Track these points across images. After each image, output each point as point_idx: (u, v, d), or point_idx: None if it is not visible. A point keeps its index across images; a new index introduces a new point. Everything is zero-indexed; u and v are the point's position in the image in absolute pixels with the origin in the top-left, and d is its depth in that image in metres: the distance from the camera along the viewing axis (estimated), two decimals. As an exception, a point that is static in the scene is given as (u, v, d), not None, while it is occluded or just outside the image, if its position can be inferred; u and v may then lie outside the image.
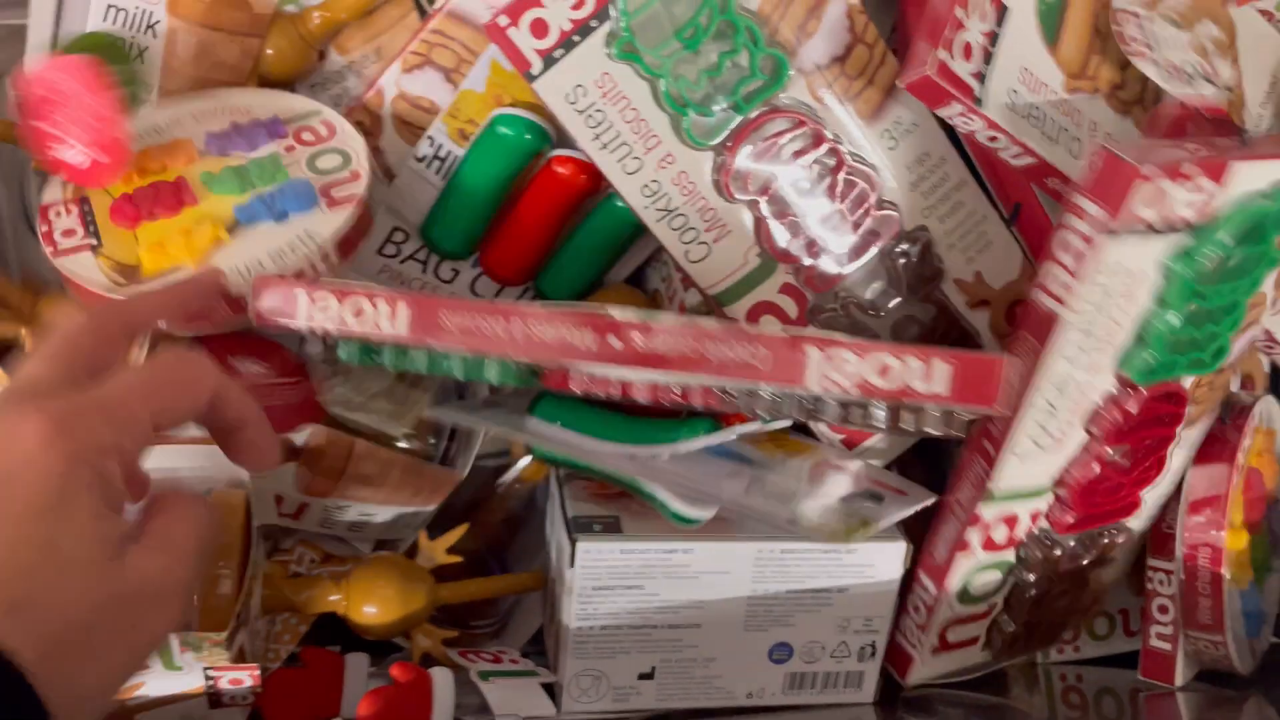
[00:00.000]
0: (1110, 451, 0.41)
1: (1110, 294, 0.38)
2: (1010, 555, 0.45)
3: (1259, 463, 0.50)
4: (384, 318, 0.38)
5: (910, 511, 0.43)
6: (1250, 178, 0.37)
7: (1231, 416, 0.48)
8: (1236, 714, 0.49)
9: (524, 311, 0.37)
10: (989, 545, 0.43)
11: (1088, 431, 0.41)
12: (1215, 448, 0.47)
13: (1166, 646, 0.49)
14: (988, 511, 0.42)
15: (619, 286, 0.50)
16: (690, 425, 0.42)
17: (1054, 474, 0.42)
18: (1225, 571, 0.46)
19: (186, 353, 0.33)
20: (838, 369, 0.35)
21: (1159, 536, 0.49)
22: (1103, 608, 0.52)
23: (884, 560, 0.44)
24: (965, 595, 0.45)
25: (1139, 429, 0.41)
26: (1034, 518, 0.44)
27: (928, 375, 0.35)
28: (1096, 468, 0.42)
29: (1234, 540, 0.47)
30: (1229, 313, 0.40)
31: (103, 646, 0.27)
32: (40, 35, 0.46)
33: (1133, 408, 0.41)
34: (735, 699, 0.46)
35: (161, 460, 0.42)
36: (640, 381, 0.38)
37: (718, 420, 0.42)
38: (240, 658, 0.40)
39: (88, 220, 0.43)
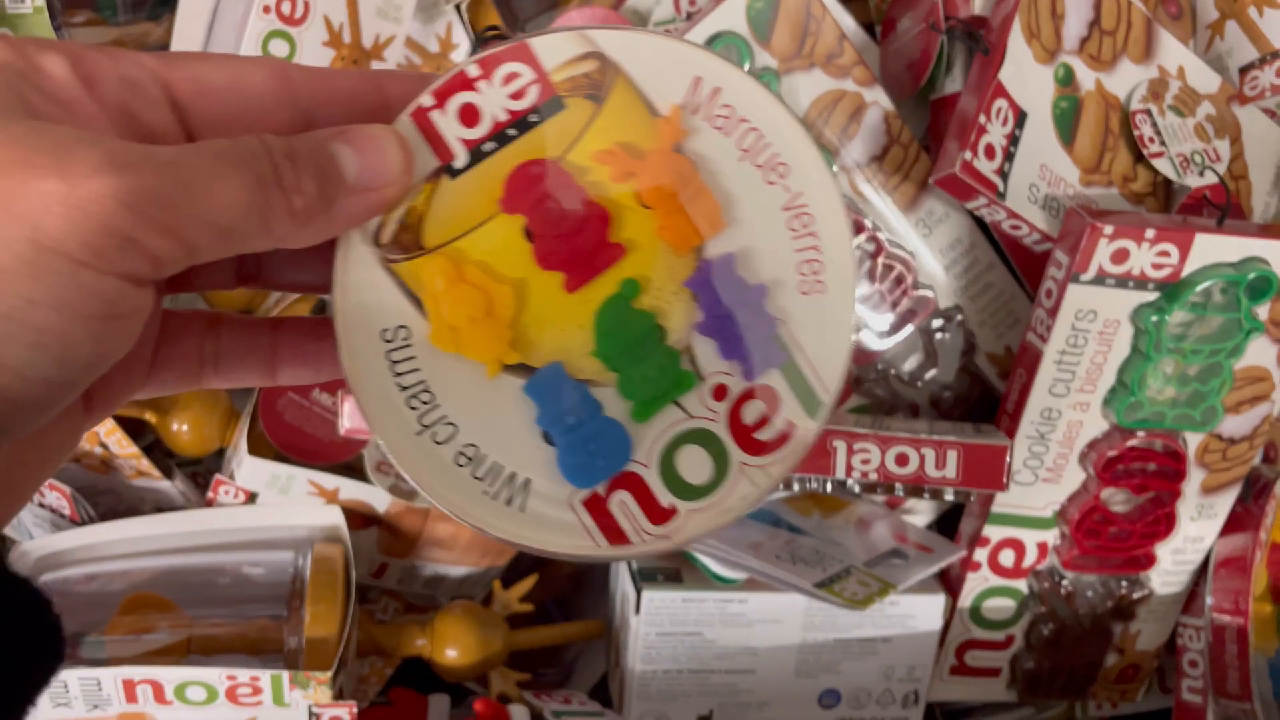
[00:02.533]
0: (1108, 492, 0.45)
1: (1087, 336, 0.43)
2: (1021, 585, 0.48)
3: (1281, 534, 0.53)
4: None
5: (934, 570, 0.46)
6: (1218, 250, 0.42)
7: (1254, 493, 0.51)
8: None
9: None
10: (997, 568, 0.48)
11: (1084, 469, 0.45)
12: (1240, 522, 0.50)
13: (1198, 700, 0.52)
14: (992, 532, 0.46)
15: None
16: None
17: (1055, 506, 0.47)
18: (1251, 641, 0.49)
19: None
20: (863, 460, 0.40)
21: (1190, 597, 0.52)
22: (1145, 670, 0.55)
23: (924, 612, 0.48)
24: (978, 617, 0.49)
25: (1136, 475, 0.45)
26: (1042, 550, 0.48)
27: (940, 463, 0.40)
28: (1092, 504, 0.45)
29: (1259, 611, 0.50)
30: (1214, 375, 0.44)
31: None
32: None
33: (1120, 449, 0.45)
34: (788, 743, 0.50)
35: (264, 519, 0.48)
36: None
37: None
38: (339, 697, 0.44)
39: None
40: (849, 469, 0.40)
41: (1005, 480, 0.39)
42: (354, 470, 0.49)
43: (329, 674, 0.43)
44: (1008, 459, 0.40)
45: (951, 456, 0.40)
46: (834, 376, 0.23)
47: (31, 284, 0.17)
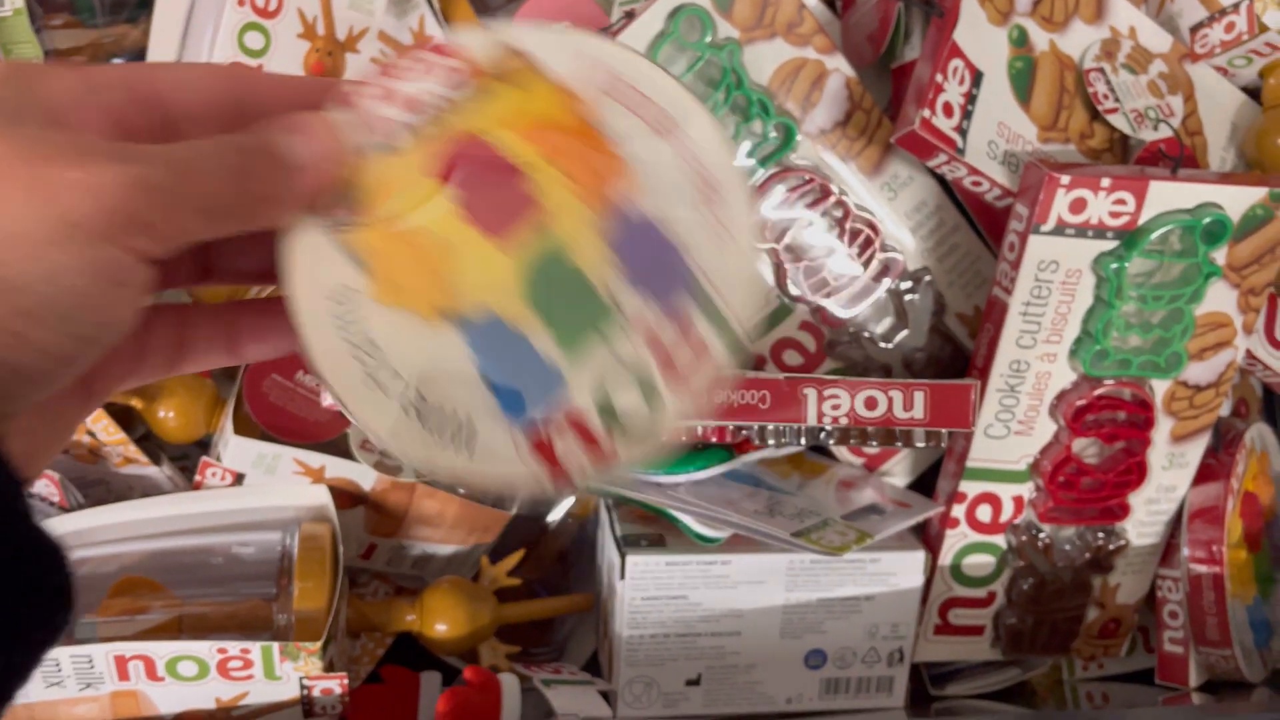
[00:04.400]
0: (1080, 443, 0.46)
1: (1050, 287, 0.44)
2: (1000, 540, 0.49)
3: (1254, 486, 0.54)
4: None
5: (911, 523, 0.47)
6: (1174, 197, 0.43)
7: (1224, 444, 0.52)
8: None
9: None
10: (974, 524, 0.48)
11: (1055, 420, 0.46)
12: (1211, 472, 0.51)
13: (1179, 650, 0.52)
14: (968, 487, 0.47)
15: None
16: (705, 456, 0.47)
17: (1028, 459, 0.48)
18: (1228, 589, 0.50)
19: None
20: (833, 405, 0.41)
21: (1166, 549, 0.52)
22: (1126, 624, 0.55)
23: (905, 569, 0.49)
24: (959, 574, 0.50)
25: (1105, 425, 0.46)
26: (1018, 504, 0.48)
27: (908, 404, 0.41)
28: (1064, 455, 0.46)
29: (1234, 559, 0.51)
30: (1176, 321, 0.45)
31: None
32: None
33: (1089, 398, 0.46)
34: (776, 704, 0.50)
35: (251, 500, 0.48)
36: None
37: (731, 450, 0.47)
38: (330, 669, 0.45)
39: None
40: (820, 415, 0.41)
41: (971, 419, 0.40)
42: (340, 450, 0.50)
43: (318, 644, 0.43)
44: (973, 396, 0.41)
45: (919, 398, 0.41)
46: (738, 296, 0.26)
47: (63, 254, 0.21)
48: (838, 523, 0.44)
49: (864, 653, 0.50)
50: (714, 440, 0.45)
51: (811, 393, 0.41)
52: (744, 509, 0.45)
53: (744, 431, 0.43)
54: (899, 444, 0.43)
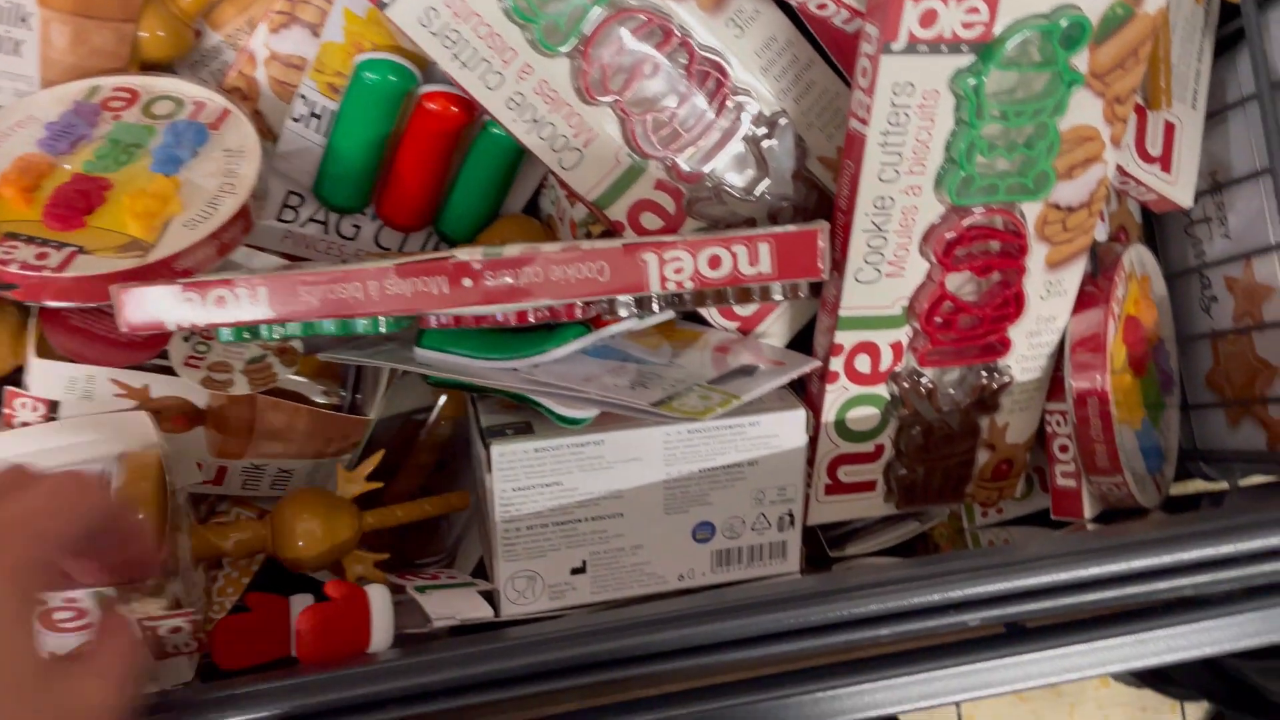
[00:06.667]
0: (953, 279, 0.44)
1: (908, 113, 0.41)
2: (882, 390, 0.47)
3: (1137, 310, 0.53)
4: (245, 302, 0.40)
5: (783, 380, 0.45)
6: (1029, 1, 0.40)
7: (1102, 269, 0.51)
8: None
9: (376, 272, 0.38)
10: (854, 376, 0.46)
11: (925, 257, 0.44)
12: (1091, 299, 0.50)
13: (1072, 484, 0.51)
14: (844, 338, 0.45)
15: (514, 217, 0.52)
16: (560, 334, 0.44)
17: (903, 302, 0.45)
18: (1114, 414, 0.49)
19: (77, 473, 0.35)
20: (675, 269, 0.38)
21: (1052, 383, 0.51)
22: (1019, 464, 0.55)
23: (786, 429, 0.46)
24: (844, 430, 0.47)
25: (978, 257, 0.44)
26: (897, 351, 0.46)
27: (753, 258, 0.38)
28: (939, 293, 0.44)
29: (1119, 384, 0.50)
30: (1041, 137, 0.42)
31: None
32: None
33: (958, 230, 0.43)
34: (668, 583, 0.48)
35: (61, 437, 0.44)
36: (504, 313, 0.40)
37: (587, 325, 0.44)
38: (175, 606, 0.41)
39: (40, 241, 0.43)
40: (663, 280, 0.38)
41: (821, 266, 0.37)
42: (162, 366, 0.45)
43: (150, 583, 0.39)
44: (821, 243, 0.38)
45: (764, 250, 0.38)
46: None
47: None
48: (702, 388, 0.41)
49: (753, 520, 0.48)
50: (566, 318, 0.41)
51: (651, 258, 0.38)
52: (606, 384, 0.42)
53: (593, 306, 0.39)
54: (756, 300, 0.40)
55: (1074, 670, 0.37)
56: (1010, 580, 0.37)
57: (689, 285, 0.38)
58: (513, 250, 0.38)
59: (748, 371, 0.44)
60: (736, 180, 0.46)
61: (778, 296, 0.40)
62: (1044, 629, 0.39)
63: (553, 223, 0.53)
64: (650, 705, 0.39)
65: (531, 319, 0.40)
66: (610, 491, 0.46)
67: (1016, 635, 0.38)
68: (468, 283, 0.38)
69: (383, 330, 0.40)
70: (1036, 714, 1.09)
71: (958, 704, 0.59)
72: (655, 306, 0.40)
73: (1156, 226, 0.61)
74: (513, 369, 0.43)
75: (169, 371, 0.45)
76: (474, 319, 0.40)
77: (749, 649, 0.37)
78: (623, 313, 0.40)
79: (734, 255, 0.38)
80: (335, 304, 0.39)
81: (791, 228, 0.38)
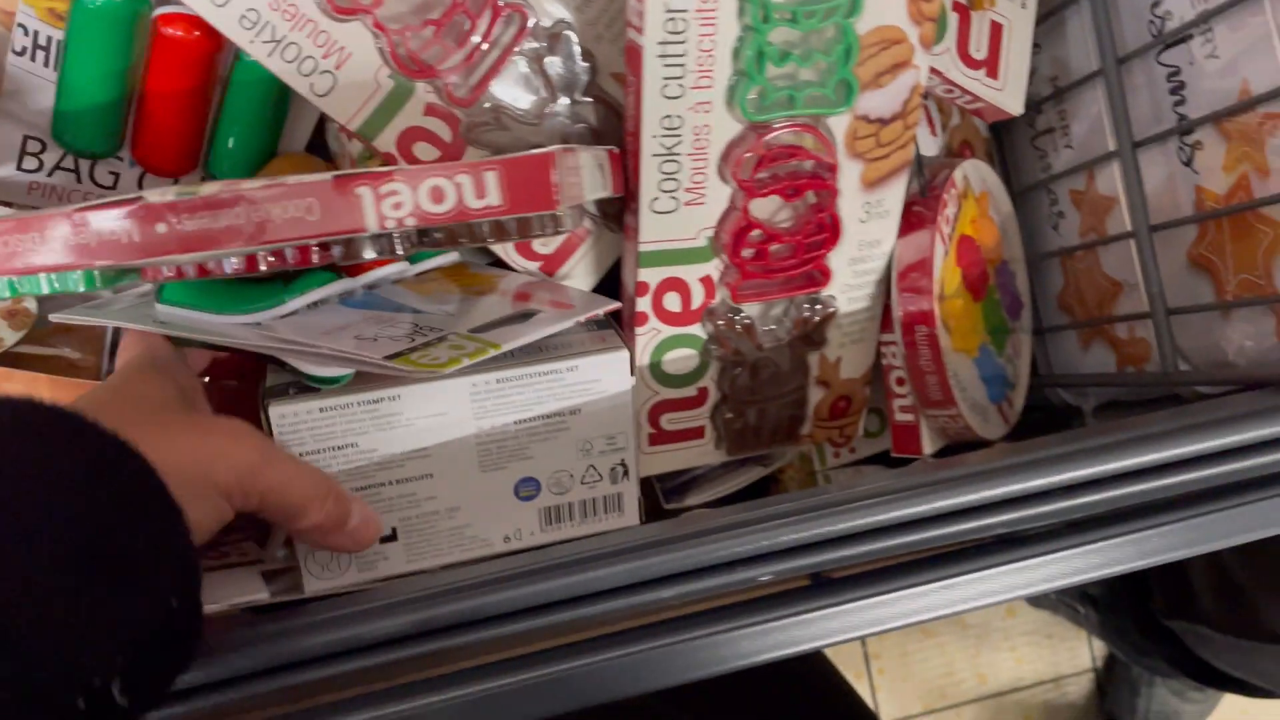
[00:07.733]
0: (759, 204, 0.41)
1: (685, 18, 0.37)
2: (698, 330, 0.44)
3: (974, 229, 0.50)
4: None
5: (564, 325, 0.42)
6: None
7: (932, 187, 0.48)
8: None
9: (56, 218, 0.34)
10: (665, 316, 0.43)
11: (726, 182, 0.41)
12: (918, 220, 0.47)
13: (910, 418, 0.49)
14: (649, 275, 0.42)
15: (292, 156, 0.48)
16: (297, 283, 0.41)
17: (708, 233, 0.42)
18: (944, 343, 0.46)
19: None
20: (393, 204, 0.34)
21: (885, 313, 0.49)
22: (858, 400, 0.53)
23: (608, 373, 0.44)
24: (661, 374, 0.45)
25: (783, 179, 0.41)
26: (708, 286, 0.43)
27: (479, 190, 0.34)
28: (744, 221, 0.41)
29: (952, 309, 0.47)
30: (838, 41, 0.40)
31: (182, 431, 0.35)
32: None
33: (757, 149, 0.40)
34: (494, 546, 0.46)
35: None
36: (224, 262, 0.36)
37: (337, 271, 0.40)
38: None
39: None
40: (381, 219, 0.34)
41: (555, 197, 0.34)
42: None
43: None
44: (554, 175, 0.34)
45: (490, 180, 0.33)
46: None
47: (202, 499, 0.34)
48: (458, 337, 0.38)
49: (582, 473, 0.45)
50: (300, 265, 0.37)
51: (366, 192, 0.33)
52: (346, 338, 0.38)
53: (332, 250, 0.36)
54: (492, 242, 0.36)
55: (879, 623, 0.35)
56: (812, 529, 0.35)
57: (411, 223, 0.34)
58: (211, 189, 0.34)
59: (527, 316, 0.41)
60: (522, 103, 0.43)
61: (516, 237, 0.36)
62: (850, 579, 0.36)
63: (336, 160, 0.49)
64: (470, 677, 0.37)
65: (263, 267, 0.36)
66: (414, 450, 0.43)
67: (821, 587, 0.36)
68: (161, 228, 0.33)
69: (83, 288, 0.36)
70: (942, 647, 1.09)
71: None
72: (398, 248, 0.36)
73: (1006, 140, 0.58)
74: (256, 324, 0.40)
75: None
76: (197, 268, 0.37)
77: (533, 618, 0.34)
78: (368, 255, 0.36)
79: (458, 186, 0.34)
80: (22, 257, 0.34)
81: (522, 154, 0.34)
